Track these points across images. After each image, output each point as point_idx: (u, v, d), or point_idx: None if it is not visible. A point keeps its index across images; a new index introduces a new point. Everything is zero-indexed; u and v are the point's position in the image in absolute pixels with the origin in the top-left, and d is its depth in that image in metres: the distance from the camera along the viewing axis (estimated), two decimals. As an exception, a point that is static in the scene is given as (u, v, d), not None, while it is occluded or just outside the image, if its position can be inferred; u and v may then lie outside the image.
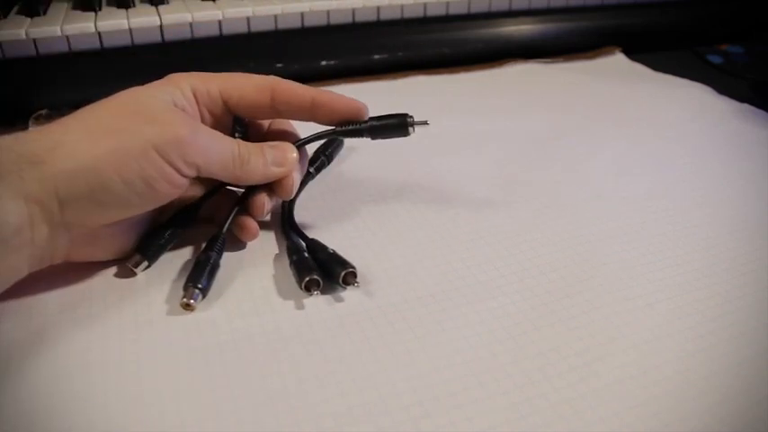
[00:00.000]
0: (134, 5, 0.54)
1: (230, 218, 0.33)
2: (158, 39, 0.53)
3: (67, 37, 0.50)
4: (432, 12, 0.62)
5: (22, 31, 0.48)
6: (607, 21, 0.68)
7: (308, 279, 0.30)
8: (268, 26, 0.57)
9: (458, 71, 0.60)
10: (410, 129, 0.35)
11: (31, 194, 0.26)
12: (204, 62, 0.54)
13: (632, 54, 0.65)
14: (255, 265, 0.33)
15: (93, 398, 0.25)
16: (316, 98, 0.34)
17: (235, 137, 0.33)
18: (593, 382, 0.27)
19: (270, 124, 0.37)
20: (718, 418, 0.25)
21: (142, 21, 0.52)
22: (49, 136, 0.27)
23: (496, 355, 0.28)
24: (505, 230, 0.36)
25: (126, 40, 0.52)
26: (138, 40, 0.53)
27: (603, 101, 0.55)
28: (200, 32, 0.55)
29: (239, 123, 0.35)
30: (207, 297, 0.30)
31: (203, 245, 0.33)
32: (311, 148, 0.42)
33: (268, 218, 0.36)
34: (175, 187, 0.29)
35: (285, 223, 0.36)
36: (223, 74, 0.34)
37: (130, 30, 0.52)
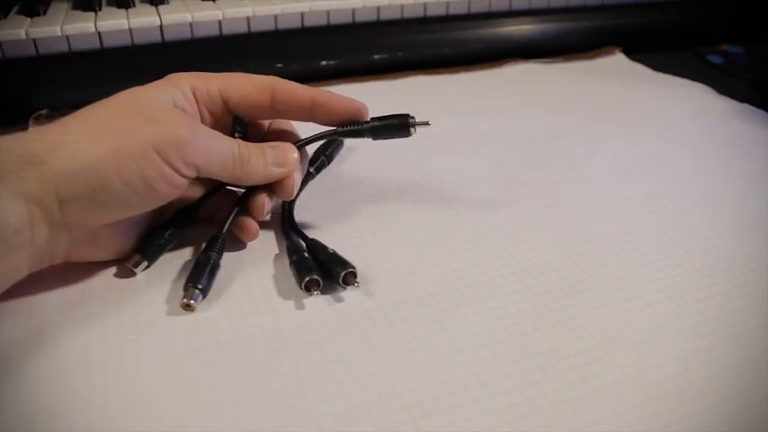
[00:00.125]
0: (134, 5, 0.54)
1: (230, 218, 0.33)
2: (158, 39, 0.53)
3: (67, 37, 0.50)
4: (432, 12, 0.62)
5: (22, 31, 0.48)
6: (607, 21, 0.68)
7: (308, 279, 0.30)
8: (268, 26, 0.57)
9: (458, 71, 0.60)
10: (411, 129, 0.35)
11: (31, 194, 0.26)
12: (204, 62, 0.54)
13: (632, 54, 0.65)
14: (255, 265, 0.33)
15: (93, 398, 0.25)
16: (315, 98, 0.34)
17: (234, 137, 0.33)
18: (593, 382, 0.27)
19: (270, 124, 0.37)
20: (718, 418, 0.25)
21: (142, 21, 0.52)
22: (50, 136, 0.27)
23: (496, 355, 0.28)
24: (505, 230, 0.36)
25: (126, 40, 0.52)
26: (138, 40, 0.53)
27: (603, 101, 0.55)
28: (200, 32, 0.55)
29: (239, 123, 0.34)
30: (207, 297, 0.30)
31: (203, 245, 0.33)
32: (311, 148, 0.42)
33: (268, 217, 0.36)
34: (175, 188, 0.29)
35: (285, 223, 0.36)
36: (223, 74, 0.34)
37: (130, 30, 0.52)
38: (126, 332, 0.28)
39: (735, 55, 0.67)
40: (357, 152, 0.45)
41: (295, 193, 0.34)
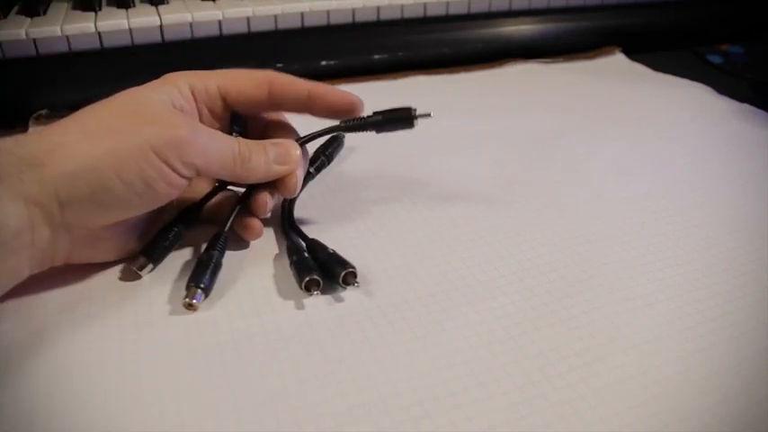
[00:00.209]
0: (134, 5, 0.54)
1: (232, 217, 0.33)
2: (158, 39, 0.53)
3: (67, 37, 0.50)
4: (432, 12, 0.62)
5: (22, 31, 0.48)
6: (607, 21, 0.68)
7: (308, 279, 0.30)
8: (268, 26, 0.57)
9: (458, 71, 0.60)
10: (414, 121, 0.35)
11: (31, 197, 0.26)
12: (204, 62, 0.53)
13: (632, 54, 0.65)
14: (255, 265, 0.33)
15: (93, 398, 0.25)
16: (312, 91, 0.34)
17: (232, 134, 0.33)
18: (593, 382, 0.27)
19: (268, 121, 0.37)
20: (718, 418, 0.25)
21: (142, 21, 0.52)
22: (49, 138, 0.27)
23: (496, 355, 0.28)
24: (505, 230, 0.36)
25: (126, 40, 0.52)
26: (138, 40, 0.53)
27: (603, 101, 0.55)
28: (200, 32, 0.55)
29: (237, 120, 0.34)
30: (208, 297, 0.30)
31: (204, 246, 0.33)
32: (311, 148, 0.42)
33: (269, 215, 0.36)
34: (174, 188, 0.29)
35: (285, 223, 0.36)
36: (220, 70, 0.34)
37: (130, 30, 0.52)
38: (126, 332, 0.28)
39: (735, 55, 0.67)
40: (357, 152, 0.45)
41: (298, 190, 0.34)
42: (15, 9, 0.52)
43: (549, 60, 0.64)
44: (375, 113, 0.35)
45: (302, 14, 0.57)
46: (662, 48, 0.67)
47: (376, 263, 0.33)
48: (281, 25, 0.57)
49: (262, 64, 0.54)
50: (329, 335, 0.29)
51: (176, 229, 0.32)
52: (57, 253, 0.28)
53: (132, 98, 0.30)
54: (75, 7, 0.54)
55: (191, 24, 0.54)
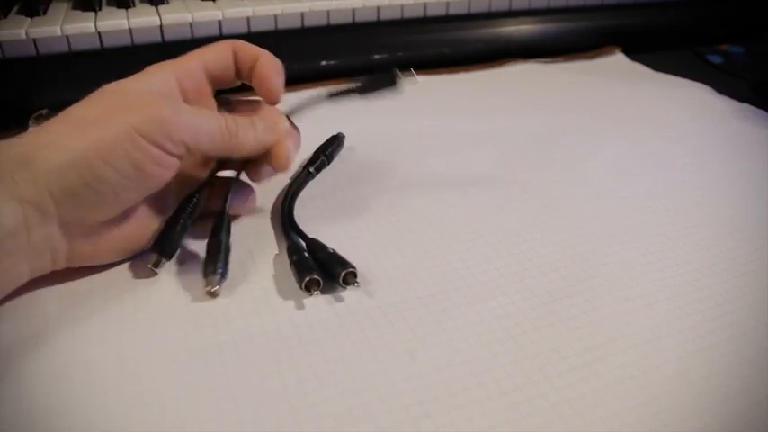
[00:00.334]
0: (134, 5, 0.54)
1: (228, 198, 0.34)
2: (158, 39, 0.53)
3: (67, 37, 0.50)
4: (432, 12, 0.62)
5: (22, 31, 0.48)
6: (607, 21, 0.68)
7: (308, 279, 0.30)
8: (268, 26, 0.57)
9: (458, 71, 0.60)
10: (398, 80, 0.36)
11: (25, 197, 0.26)
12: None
13: (632, 54, 0.65)
14: (255, 265, 0.33)
15: (93, 398, 0.25)
16: (259, 63, 0.35)
17: None
18: (593, 382, 0.27)
19: (256, 108, 0.37)
20: (718, 418, 0.25)
21: (142, 21, 0.52)
22: (37, 137, 0.28)
23: (496, 355, 0.28)
24: (505, 230, 0.36)
25: (126, 40, 0.52)
26: (138, 40, 0.53)
27: (603, 101, 0.55)
28: (200, 32, 0.55)
29: (224, 105, 0.35)
30: (225, 280, 0.31)
31: (205, 246, 0.33)
32: (311, 148, 0.42)
33: (263, 182, 0.36)
34: (165, 168, 0.29)
35: (285, 223, 0.36)
36: (193, 51, 0.35)
37: (130, 30, 0.52)
38: (126, 332, 0.28)
39: (735, 55, 0.67)
40: (357, 152, 0.45)
41: (290, 164, 0.34)
42: (15, 9, 0.52)
43: (549, 60, 0.63)
44: (359, 78, 0.36)
45: (302, 14, 0.57)
46: (662, 48, 0.67)
47: (376, 263, 0.33)
48: (281, 25, 0.57)
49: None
50: (329, 335, 0.29)
51: (182, 221, 0.33)
52: (56, 254, 0.28)
53: (114, 90, 0.30)
54: (75, 7, 0.54)
55: (191, 24, 0.54)
